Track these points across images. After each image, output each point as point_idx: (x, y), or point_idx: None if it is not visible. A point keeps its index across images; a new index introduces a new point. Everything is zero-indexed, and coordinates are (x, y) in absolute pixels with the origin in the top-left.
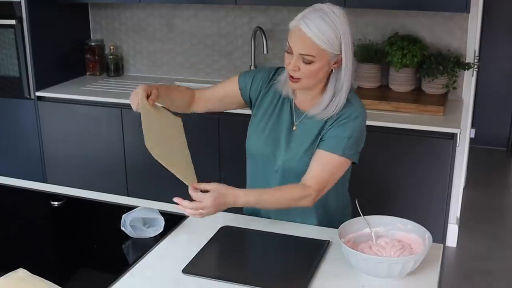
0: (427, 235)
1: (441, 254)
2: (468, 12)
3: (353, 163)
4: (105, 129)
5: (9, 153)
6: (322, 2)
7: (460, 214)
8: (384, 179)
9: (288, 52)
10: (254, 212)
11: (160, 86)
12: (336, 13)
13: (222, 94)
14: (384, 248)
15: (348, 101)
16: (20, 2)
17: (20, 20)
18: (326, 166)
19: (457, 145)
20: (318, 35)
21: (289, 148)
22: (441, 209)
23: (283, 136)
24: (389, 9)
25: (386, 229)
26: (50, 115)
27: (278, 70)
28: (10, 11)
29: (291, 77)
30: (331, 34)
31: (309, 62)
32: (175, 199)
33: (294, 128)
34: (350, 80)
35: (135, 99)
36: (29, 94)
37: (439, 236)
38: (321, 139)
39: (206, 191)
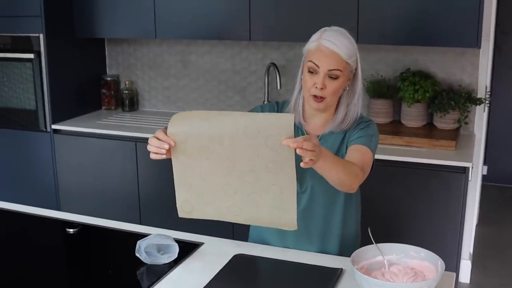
0: (440, 262)
1: (453, 282)
2: (479, 47)
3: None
4: (120, 162)
5: (25, 184)
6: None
7: (473, 251)
8: (396, 213)
9: (311, 72)
10: (261, 237)
11: None
12: (344, 30)
13: None
14: (397, 275)
15: (360, 116)
16: (38, 37)
17: (38, 54)
18: (361, 155)
19: (469, 179)
20: (343, 50)
21: (313, 172)
22: (454, 244)
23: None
24: (401, 45)
25: (399, 257)
26: (65, 148)
27: (279, 103)
28: (28, 45)
29: (316, 97)
30: (352, 48)
31: (335, 77)
32: (285, 141)
33: None
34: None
35: (155, 142)
36: (45, 127)
37: (452, 271)
38: (349, 142)
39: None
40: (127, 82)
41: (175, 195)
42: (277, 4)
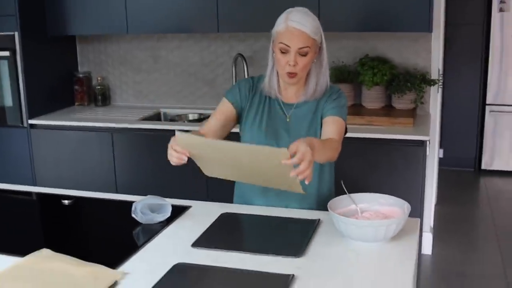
0: (406, 205)
1: (418, 226)
2: (431, 31)
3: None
4: (96, 153)
5: (2, 179)
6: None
7: (434, 226)
8: (362, 186)
9: (283, 52)
10: (246, 202)
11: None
12: (306, 9)
13: (223, 119)
14: (369, 219)
15: (330, 85)
16: (14, 35)
17: (13, 52)
18: (337, 126)
19: (427, 153)
20: (310, 28)
21: (291, 135)
22: (416, 213)
23: (280, 128)
24: (360, 32)
25: (370, 204)
26: (42, 142)
27: (254, 78)
28: (4, 44)
29: (290, 73)
30: (316, 25)
31: (305, 54)
32: (284, 161)
33: (288, 119)
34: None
35: (175, 154)
36: (22, 122)
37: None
38: (322, 114)
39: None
40: (99, 78)
41: (151, 183)
42: None
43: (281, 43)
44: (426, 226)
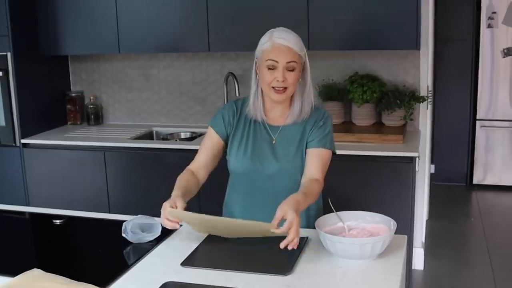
0: (392, 222)
1: (405, 242)
2: (419, 49)
3: (333, 153)
4: (89, 172)
5: None
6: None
7: (426, 241)
8: (352, 202)
9: (270, 69)
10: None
11: (179, 195)
12: (288, 29)
13: (211, 151)
14: (356, 236)
15: (315, 107)
16: (6, 55)
17: (6, 72)
18: (321, 160)
19: (417, 169)
20: (294, 43)
21: (278, 157)
22: (406, 229)
23: (266, 150)
24: (349, 50)
25: (357, 222)
26: (35, 161)
27: (237, 102)
28: None
29: (279, 89)
30: (300, 42)
31: (292, 69)
32: (272, 230)
33: (274, 141)
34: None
35: (168, 222)
36: (14, 142)
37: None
38: (307, 141)
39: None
40: (91, 97)
41: (143, 202)
42: (233, 16)
43: (268, 60)
44: (418, 241)
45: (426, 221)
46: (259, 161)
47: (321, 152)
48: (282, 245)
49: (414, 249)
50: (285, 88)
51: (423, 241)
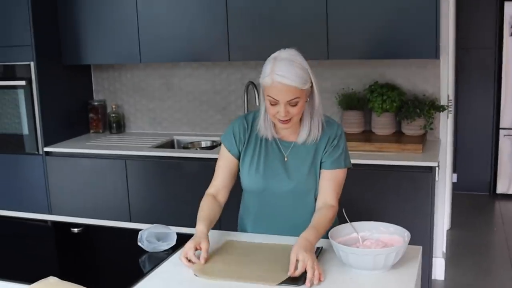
0: (406, 233)
1: (420, 254)
2: (438, 58)
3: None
4: (110, 180)
5: (19, 206)
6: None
7: (447, 251)
8: (370, 212)
9: (272, 105)
10: (255, 230)
11: (204, 233)
12: (293, 53)
13: (227, 171)
14: (370, 247)
15: (327, 121)
16: (29, 65)
17: (29, 81)
18: (336, 181)
19: (437, 179)
20: (296, 80)
21: (291, 176)
22: (426, 240)
23: (279, 168)
24: (368, 60)
25: (371, 232)
26: (57, 169)
27: (248, 117)
28: (20, 73)
29: (283, 121)
30: (303, 74)
31: (295, 104)
32: (291, 275)
33: (286, 159)
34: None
35: (185, 261)
36: (37, 150)
37: (425, 263)
38: (321, 161)
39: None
40: (113, 106)
41: (164, 210)
42: (253, 26)
43: (269, 96)
44: (439, 251)
45: (448, 230)
46: (272, 180)
47: (336, 174)
48: (307, 284)
49: (434, 259)
50: (289, 119)
51: (444, 250)
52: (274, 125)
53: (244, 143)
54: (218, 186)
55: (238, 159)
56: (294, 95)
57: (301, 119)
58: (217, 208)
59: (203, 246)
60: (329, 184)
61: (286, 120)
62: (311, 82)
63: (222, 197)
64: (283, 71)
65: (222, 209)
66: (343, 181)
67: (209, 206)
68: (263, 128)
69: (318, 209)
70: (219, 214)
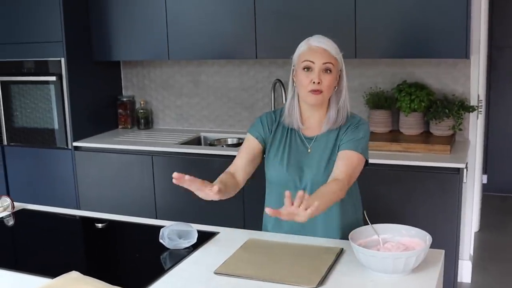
0: (428, 237)
1: (442, 258)
2: (468, 58)
3: (366, 163)
4: (137, 176)
5: (48, 199)
6: None
7: (475, 254)
8: (396, 212)
9: (306, 69)
10: (276, 229)
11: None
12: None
13: (248, 155)
14: (390, 250)
15: (351, 114)
16: (60, 61)
17: (60, 77)
18: (349, 161)
19: (464, 181)
20: (331, 46)
21: (311, 168)
22: (452, 242)
23: (302, 162)
24: (397, 58)
25: (392, 235)
26: (85, 164)
27: (275, 112)
28: (51, 69)
29: (314, 91)
30: (336, 47)
31: (329, 71)
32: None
33: (309, 151)
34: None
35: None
36: (67, 145)
37: (451, 266)
38: (339, 145)
39: None
40: (142, 102)
41: (189, 207)
42: (280, 24)
43: (304, 61)
44: (466, 253)
45: (476, 233)
46: (295, 173)
47: (350, 154)
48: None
49: (461, 261)
50: (321, 91)
51: (471, 253)
52: (300, 113)
53: (271, 132)
54: (237, 167)
55: (262, 146)
56: (329, 59)
57: (327, 106)
58: (233, 181)
59: (214, 187)
60: (342, 162)
61: (317, 90)
62: (342, 64)
63: (239, 178)
64: (319, 38)
65: (239, 192)
66: (358, 167)
67: (225, 176)
68: (288, 116)
69: (327, 184)
70: (234, 189)
